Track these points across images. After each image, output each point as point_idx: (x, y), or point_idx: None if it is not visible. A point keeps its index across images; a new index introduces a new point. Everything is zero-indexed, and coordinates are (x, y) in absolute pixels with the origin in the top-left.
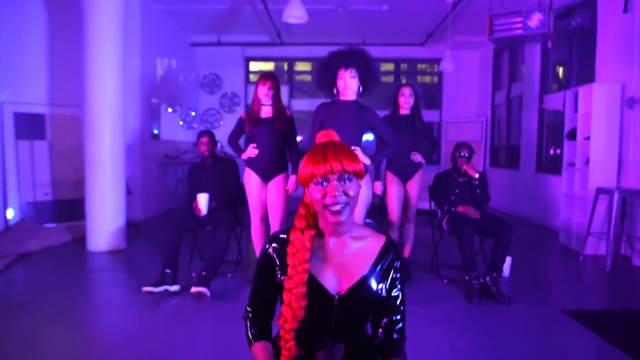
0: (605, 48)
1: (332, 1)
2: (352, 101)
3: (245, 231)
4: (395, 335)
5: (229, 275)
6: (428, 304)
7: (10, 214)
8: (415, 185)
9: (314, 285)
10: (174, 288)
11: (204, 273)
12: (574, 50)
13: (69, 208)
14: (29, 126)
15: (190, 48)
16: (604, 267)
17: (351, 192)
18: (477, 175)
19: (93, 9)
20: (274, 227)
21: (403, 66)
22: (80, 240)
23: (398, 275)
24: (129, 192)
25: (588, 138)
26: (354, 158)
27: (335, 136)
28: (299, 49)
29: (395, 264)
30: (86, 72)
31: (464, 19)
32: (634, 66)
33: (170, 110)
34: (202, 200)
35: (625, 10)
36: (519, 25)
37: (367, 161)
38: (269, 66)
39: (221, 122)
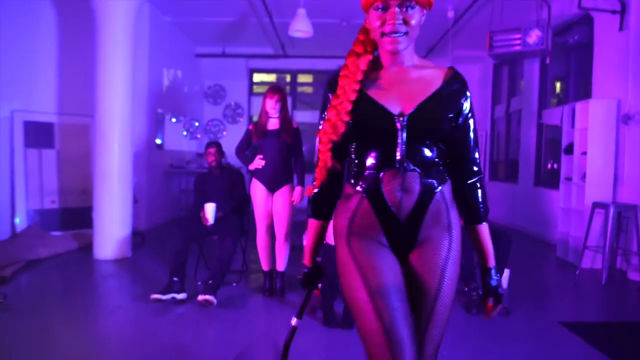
0: (601, 64)
1: (336, 15)
2: None
3: (250, 241)
4: (474, 193)
5: (234, 284)
6: None
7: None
8: None
9: (374, 108)
10: (181, 296)
11: (210, 281)
12: (572, 65)
13: (76, 216)
14: (38, 134)
15: (195, 59)
16: (600, 280)
17: (412, 22)
18: None
19: (105, 18)
20: (280, 237)
21: None
22: (86, 248)
23: (469, 113)
24: (135, 200)
25: (585, 153)
26: None
27: None
28: (302, 61)
29: (462, 97)
30: (97, 81)
31: (464, 34)
32: (629, 83)
33: (174, 120)
34: (210, 210)
35: (621, 28)
36: (518, 42)
37: None
38: (272, 78)
39: (224, 133)
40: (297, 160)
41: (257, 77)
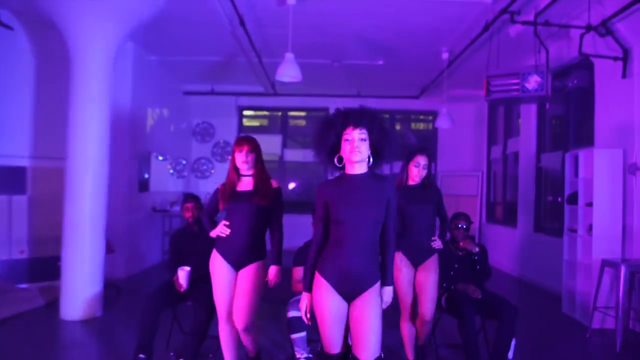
0: (604, 111)
1: (327, 55)
2: (363, 174)
3: None
4: None
5: (210, 355)
6: None
7: None
8: (431, 272)
9: None
10: None
11: (181, 359)
12: (572, 109)
13: (46, 266)
14: (9, 180)
15: (183, 96)
16: (613, 345)
17: None
18: (476, 250)
19: (80, 59)
20: (239, 326)
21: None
22: (53, 303)
23: None
24: (111, 250)
25: (590, 204)
26: None
27: None
28: (294, 99)
29: None
30: (70, 125)
31: (459, 75)
32: (635, 132)
33: (160, 158)
34: (183, 275)
35: (624, 75)
36: (516, 87)
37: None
38: (263, 113)
39: (212, 171)
40: (274, 230)
41: (248, 113)
